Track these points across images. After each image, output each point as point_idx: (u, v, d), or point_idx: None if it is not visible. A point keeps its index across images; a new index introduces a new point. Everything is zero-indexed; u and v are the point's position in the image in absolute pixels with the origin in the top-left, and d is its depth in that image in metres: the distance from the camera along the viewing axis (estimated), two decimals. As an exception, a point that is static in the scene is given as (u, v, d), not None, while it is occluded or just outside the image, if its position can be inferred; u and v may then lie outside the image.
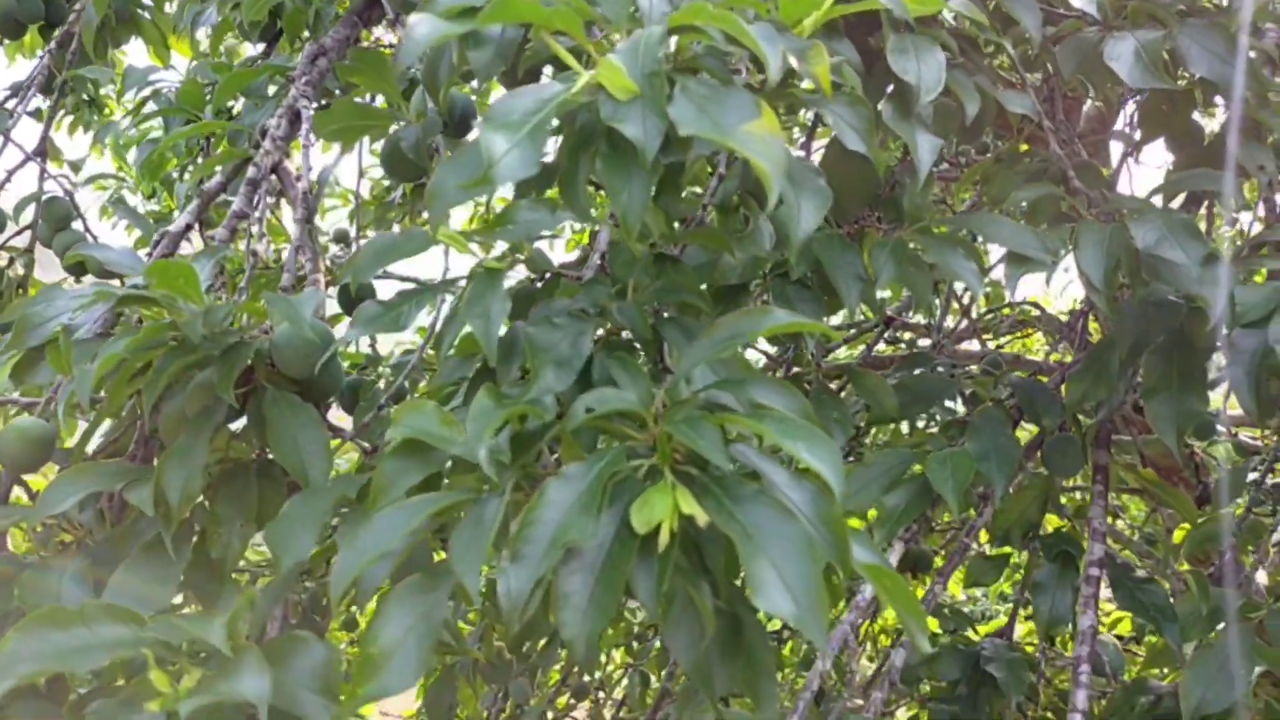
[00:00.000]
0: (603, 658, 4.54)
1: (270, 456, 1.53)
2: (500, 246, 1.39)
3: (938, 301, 3.19)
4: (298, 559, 1.21)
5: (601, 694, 4.82)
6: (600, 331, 1.31)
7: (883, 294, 4.77)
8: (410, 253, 1.35)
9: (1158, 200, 1.90)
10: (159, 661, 1.02)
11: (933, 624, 2.56)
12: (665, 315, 1.32)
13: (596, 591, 0.98)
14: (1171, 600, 1.96)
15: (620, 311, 1.27)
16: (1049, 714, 2.42)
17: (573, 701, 4.55)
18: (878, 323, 3.26)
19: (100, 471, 1.41)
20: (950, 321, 3.29)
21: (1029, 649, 2.38)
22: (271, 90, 2.44)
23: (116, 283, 1.61)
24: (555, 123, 1.05)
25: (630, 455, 1.07)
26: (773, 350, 2.57)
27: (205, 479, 1.42)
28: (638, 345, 1.30)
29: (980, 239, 2.08)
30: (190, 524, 1.44)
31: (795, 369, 2.02)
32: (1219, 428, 3.72)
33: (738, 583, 1.23)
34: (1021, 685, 2.05)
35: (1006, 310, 4.35)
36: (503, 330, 1.25)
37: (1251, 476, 2.55)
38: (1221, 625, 1.94)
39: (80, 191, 2.72)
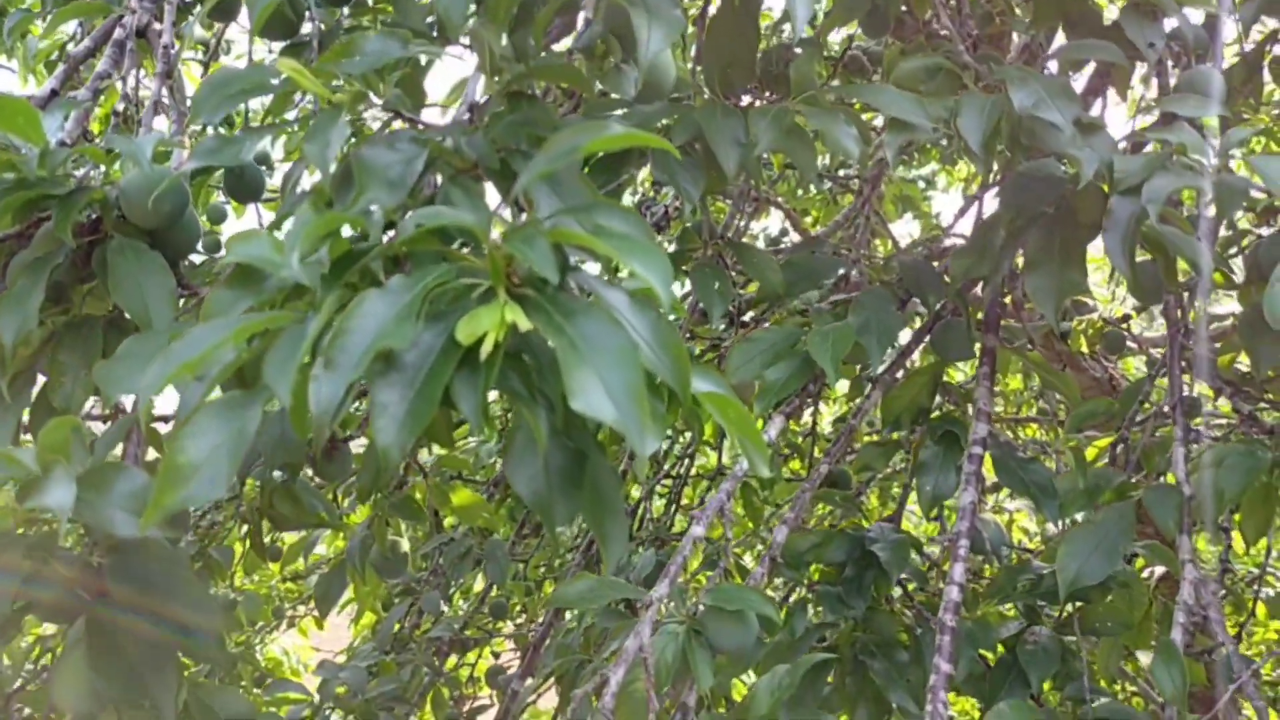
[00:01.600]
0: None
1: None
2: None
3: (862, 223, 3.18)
4: (124, 394, 1.16)
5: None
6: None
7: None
8: (253, 88, 1.29)
9: (1053, 67, 1.89)
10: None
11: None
12: (517, 149, 1.28)
13: (415, 403, 0.94)
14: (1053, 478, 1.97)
15: (469, 143, 1.22)
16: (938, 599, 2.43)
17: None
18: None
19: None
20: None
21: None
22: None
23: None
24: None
25: (466, 275, 1.03)
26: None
27: (50, 329, 1.37)
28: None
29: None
30: (33, 372, 1.39)
31: (684, 247, 1.99)
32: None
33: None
34: (903, 564, 2.05)
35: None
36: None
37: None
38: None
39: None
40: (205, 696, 1.25)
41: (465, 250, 1.12)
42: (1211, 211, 1.67)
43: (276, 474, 1.82)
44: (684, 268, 1.89)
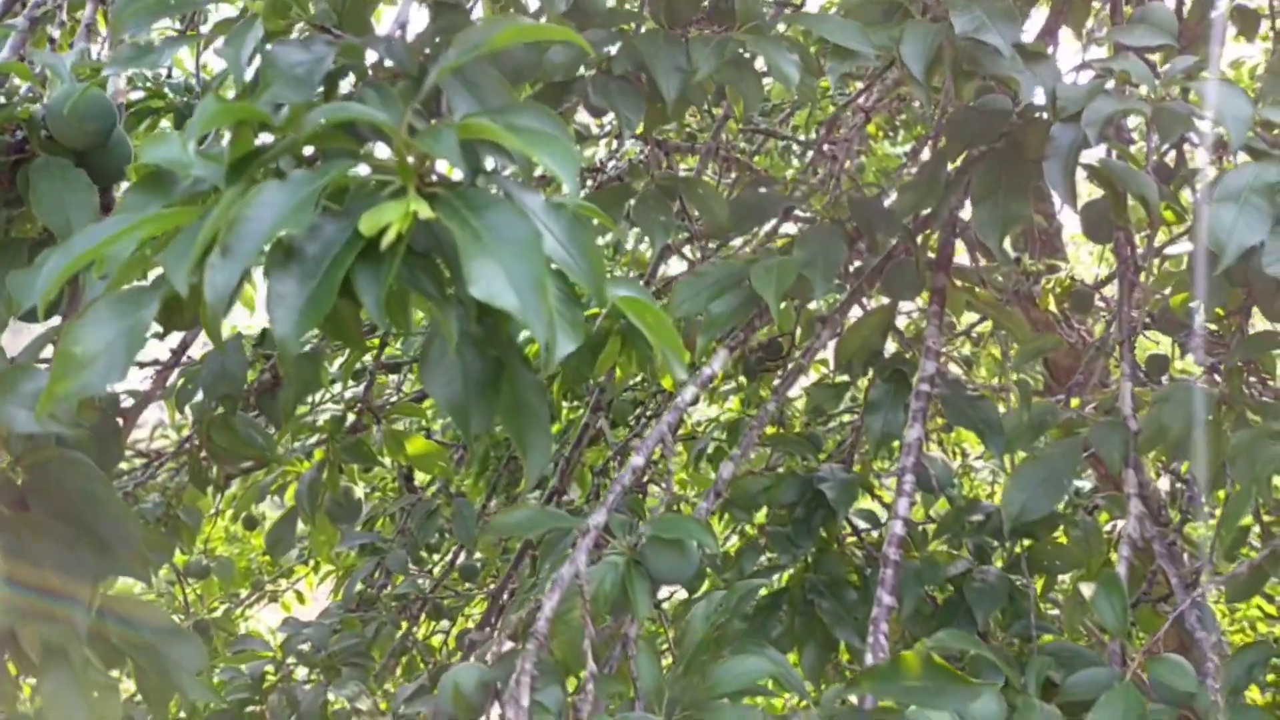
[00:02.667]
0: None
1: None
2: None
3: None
4: (33, 303, 1.14)
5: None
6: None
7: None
8: (176, 2, 1.27)
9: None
10: None
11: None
12: (437, 56, 1.26)
13: (314, 293, 0.93)
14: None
15: (388, 49, 1.20)
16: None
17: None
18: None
19: None
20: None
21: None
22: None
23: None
24: None
25: (375, 172, 1.02)
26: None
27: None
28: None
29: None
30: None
31: (629, 180, 1.97)
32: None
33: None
34: (850, 502, 2.05)
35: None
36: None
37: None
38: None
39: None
40: (127, 613, 1.24)
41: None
42: (1155, 140, 1.66)
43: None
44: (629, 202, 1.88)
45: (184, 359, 1.81)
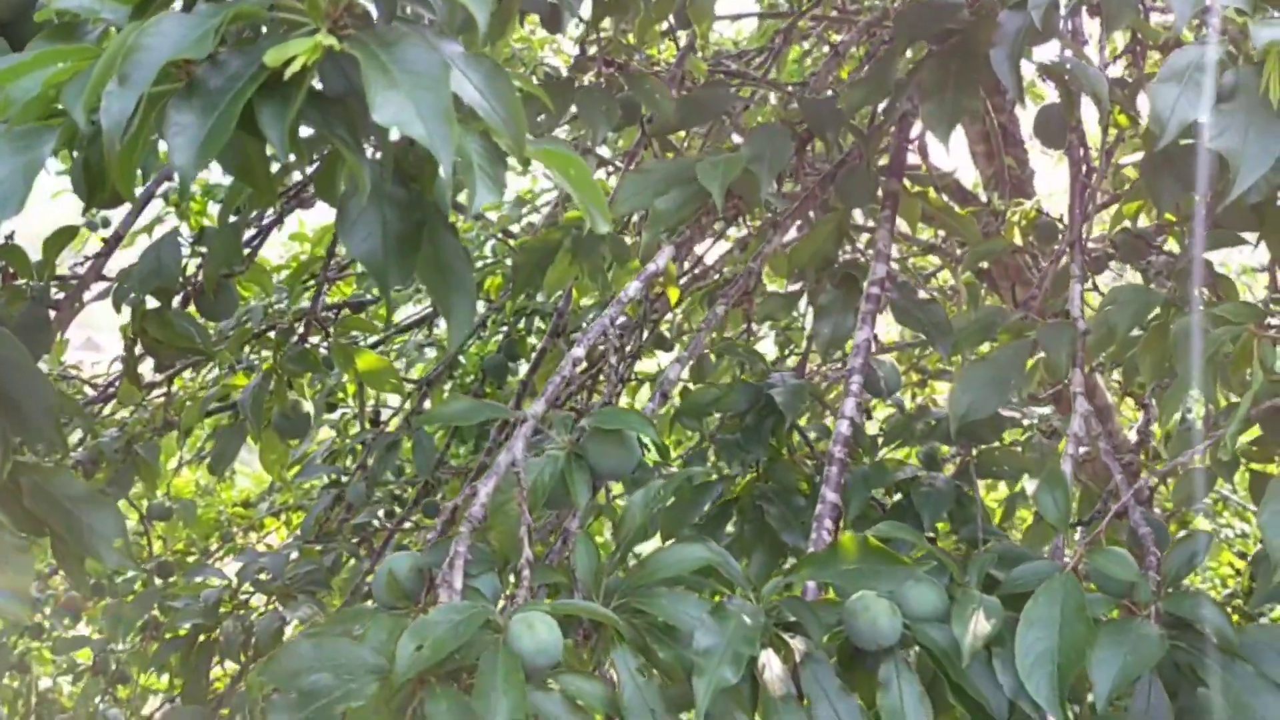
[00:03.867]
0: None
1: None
2: None
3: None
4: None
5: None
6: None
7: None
8: None
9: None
10: None
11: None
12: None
13: (214, 124, 0.90)
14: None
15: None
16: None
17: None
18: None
19: None
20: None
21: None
22: None
23: None
24: None
25: (285, 10, 0.98)
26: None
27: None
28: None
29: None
30: None
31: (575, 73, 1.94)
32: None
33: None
34: (799, 407, 2.03)
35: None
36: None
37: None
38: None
39: None
40: (41, 480, 1.21)
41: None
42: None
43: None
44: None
45: (116, 248, 1.77)
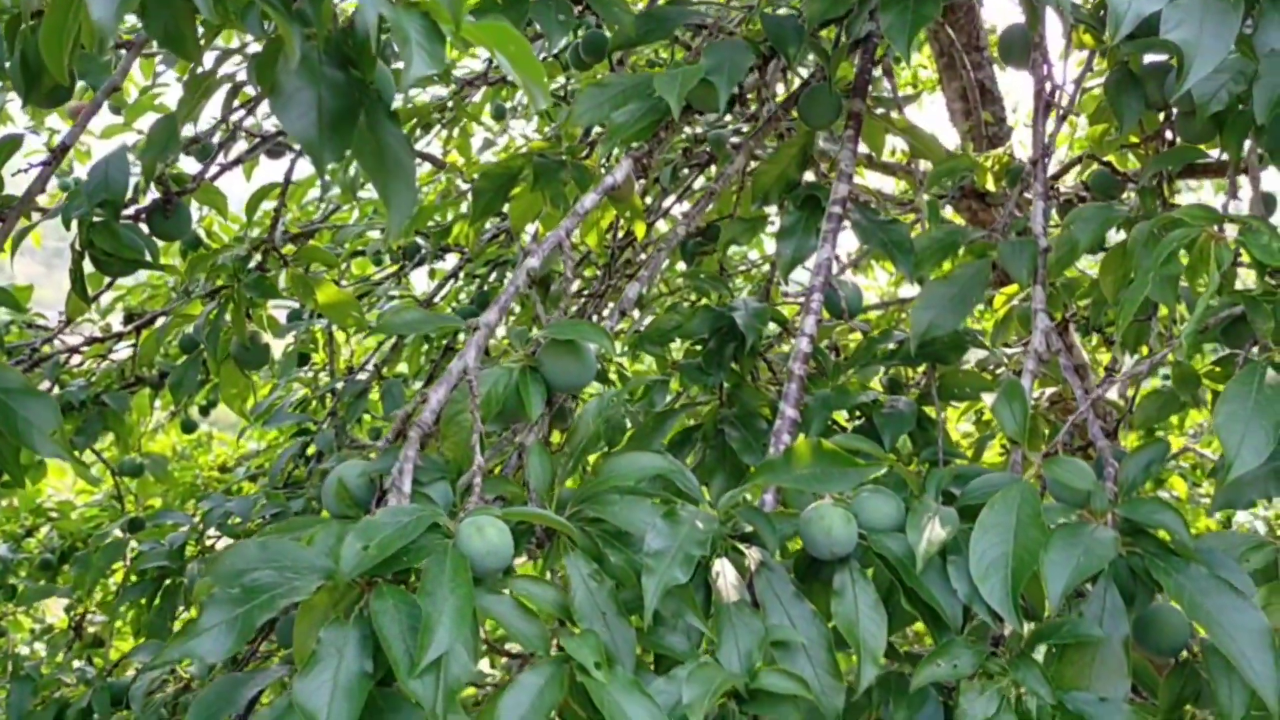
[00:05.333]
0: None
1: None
2: None
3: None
4: None
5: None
6: None
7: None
8: None
9: None
10: None
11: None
12: None
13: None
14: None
15: None
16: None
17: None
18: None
19: None
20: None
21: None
22: None
23: None
24: None
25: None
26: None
27: None
28: None
29: None
30: None
31: None
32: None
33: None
34: (759, 328, 2.01)
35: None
36: None
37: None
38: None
39: None
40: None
41: None
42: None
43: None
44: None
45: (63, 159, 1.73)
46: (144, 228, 1.88)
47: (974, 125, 3.84)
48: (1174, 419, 6.06)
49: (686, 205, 3.18)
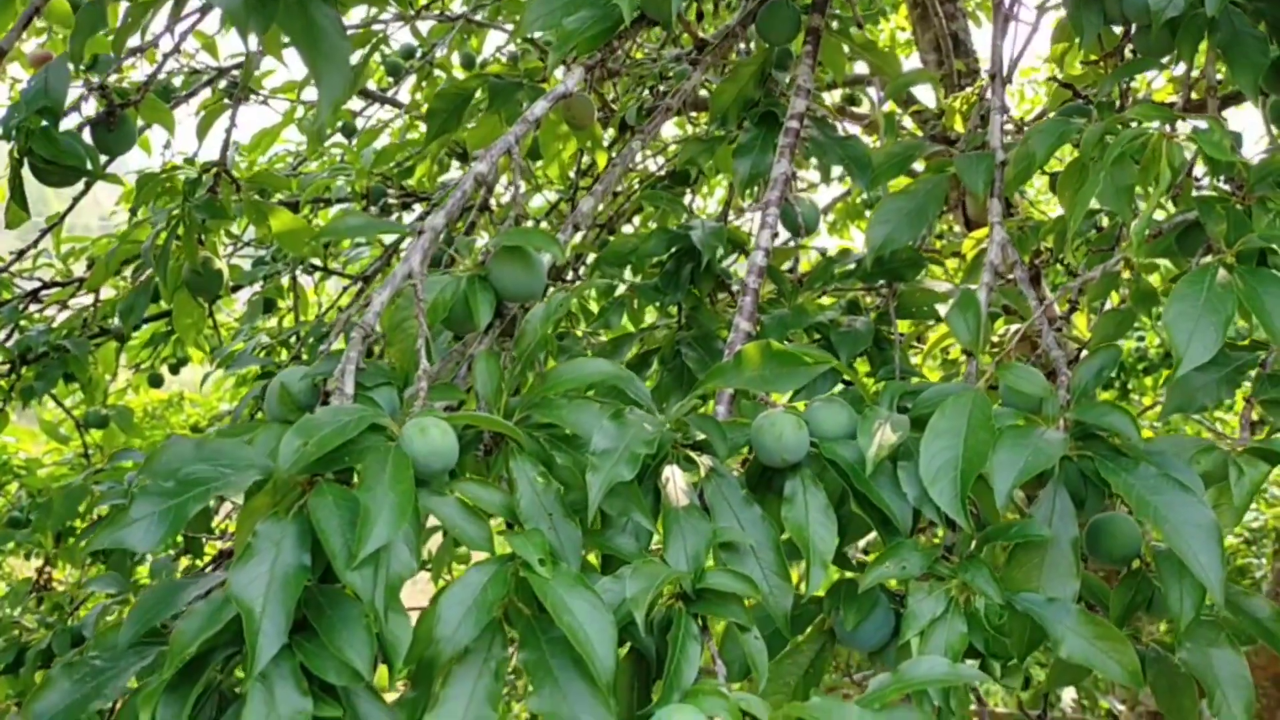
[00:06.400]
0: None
1: None
2: None
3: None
4: None
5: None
6: None
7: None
8: None
9: None
10: None
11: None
12: None
13: None
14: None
15: None
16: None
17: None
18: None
19: None
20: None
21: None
22: None
23: None
24: None
25: None
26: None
27: None
28: None
29: None
30: None
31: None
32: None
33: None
34: (716, 245, 1.99)
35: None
36: None
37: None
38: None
39: None
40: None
41: None
42: None
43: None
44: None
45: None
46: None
47: (946, 74, 3.83)
48: (1148, 381, 6.12)
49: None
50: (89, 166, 1.70)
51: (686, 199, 3.21)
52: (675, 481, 1.44)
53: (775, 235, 1.80)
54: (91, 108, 1.89)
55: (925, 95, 5.08)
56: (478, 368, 1.49)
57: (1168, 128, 1.42)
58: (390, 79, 4.47)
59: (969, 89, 3.78)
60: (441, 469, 1.31)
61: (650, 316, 2.47)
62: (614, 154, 2.93)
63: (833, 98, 4.31)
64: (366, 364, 1.47)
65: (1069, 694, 5.88)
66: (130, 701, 1.17)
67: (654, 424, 1.41)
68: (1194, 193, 1.62)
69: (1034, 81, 5.52)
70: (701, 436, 1.51)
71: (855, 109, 4.42)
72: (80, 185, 2.63)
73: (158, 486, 1.17)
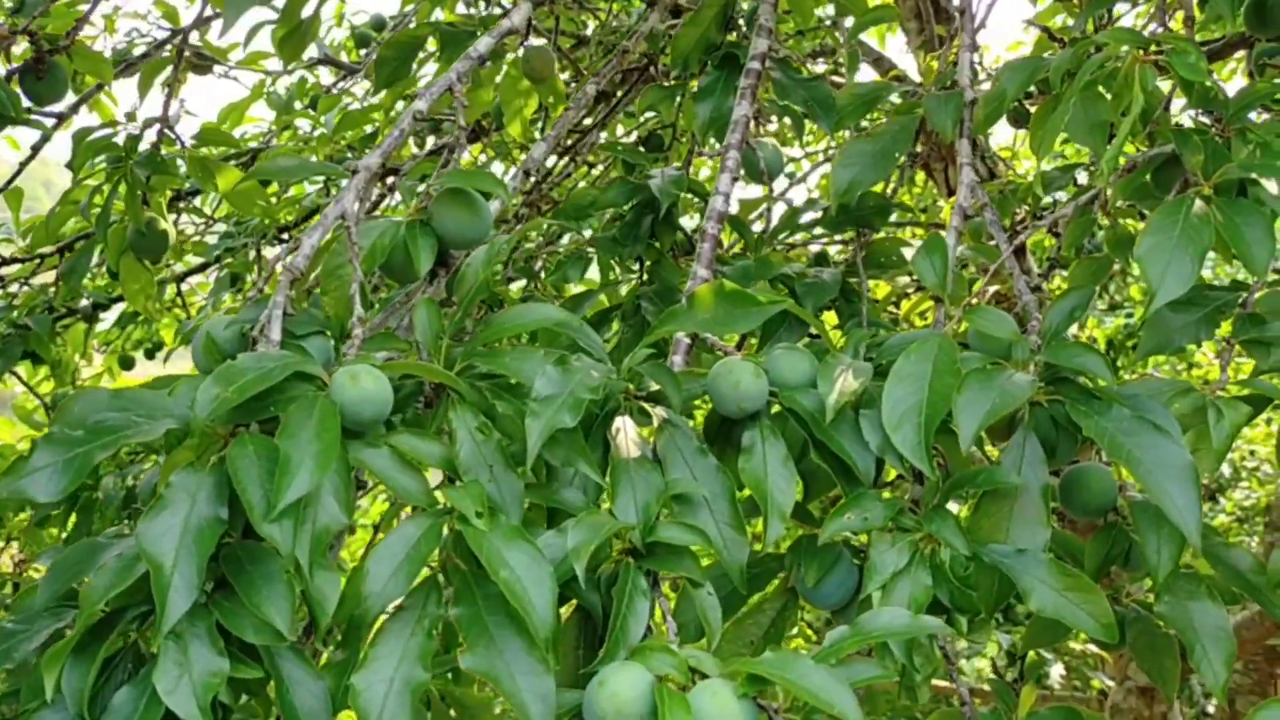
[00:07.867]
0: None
1: None
2: None
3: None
4: None
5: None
6: None
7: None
8: None
9: None
10: None
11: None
12: None
13: None
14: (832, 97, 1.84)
15: None
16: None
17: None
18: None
19: None
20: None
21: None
22: None
23: None
24: None
25: None
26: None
27: None
28: None
29: None
30: None
31: None
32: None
33: None
34: (675, 193, 1.91)
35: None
36: None
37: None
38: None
39: None
40: None
41: None
42: None
43: None
44: None
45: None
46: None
47: (926, 40, 3.76)
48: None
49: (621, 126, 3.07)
50: (10, 114, 1.62)
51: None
52: (626, 433, 1.37)
53: (736, 179, 1.72)
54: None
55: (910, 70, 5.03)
56: (417, 314, 1.41)
57: (1140, 52, 1.34)
58: (361, 51, 4.37)
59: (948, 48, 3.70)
60: (373, 418, 1.24)
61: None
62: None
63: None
64: (298, 311, 1.39)
65: (1057, 670, 5.83)
66: (36, 663, 1.10)
67: (601, 371, 1.33)
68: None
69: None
70: (656, 387, 1.44)
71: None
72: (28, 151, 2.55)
73: (64, 434, 1.09)
